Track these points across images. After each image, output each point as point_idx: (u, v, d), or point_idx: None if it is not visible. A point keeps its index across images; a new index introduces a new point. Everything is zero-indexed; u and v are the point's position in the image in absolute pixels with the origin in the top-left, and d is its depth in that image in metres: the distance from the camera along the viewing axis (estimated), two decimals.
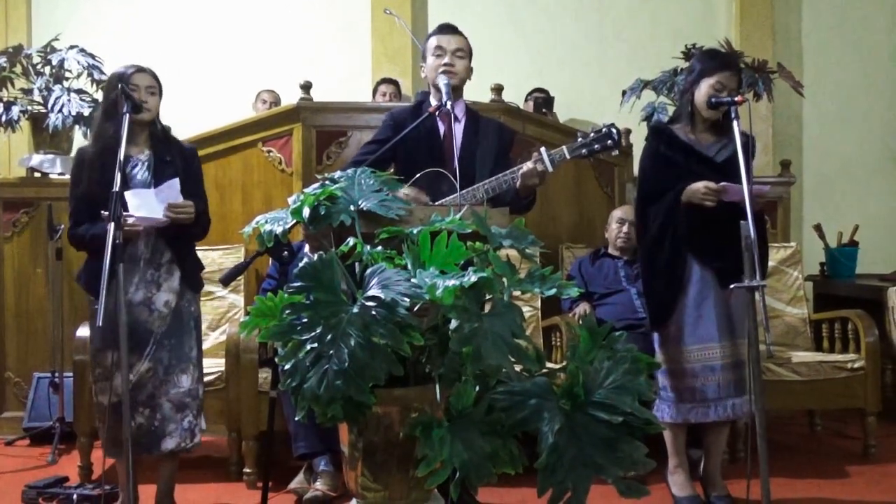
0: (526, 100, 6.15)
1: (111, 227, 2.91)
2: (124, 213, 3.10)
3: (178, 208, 3.26)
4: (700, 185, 3.42)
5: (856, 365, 4.30)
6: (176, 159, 3.42)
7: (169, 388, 3.34)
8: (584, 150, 3.26)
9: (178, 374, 3.37)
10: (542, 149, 3.24)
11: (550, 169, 3.22)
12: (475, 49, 3.50)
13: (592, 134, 3.27)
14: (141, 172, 3.37)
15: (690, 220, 3.48)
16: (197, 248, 4.50)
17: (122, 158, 3.04)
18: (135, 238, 3.29)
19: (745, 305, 3.33)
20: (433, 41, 3.44)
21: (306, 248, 4.06)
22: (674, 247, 3.52)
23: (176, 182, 3.28)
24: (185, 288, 3.43)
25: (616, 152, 3.35)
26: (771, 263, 4.86)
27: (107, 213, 3.03)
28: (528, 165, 3.19)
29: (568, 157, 3.25)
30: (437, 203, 3.07)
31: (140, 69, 3.38)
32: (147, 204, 3.23)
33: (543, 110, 6.05)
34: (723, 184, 3.38)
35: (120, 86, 3.19)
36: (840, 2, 6.80)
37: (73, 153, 5.39)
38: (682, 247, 3.51)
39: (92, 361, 3.43)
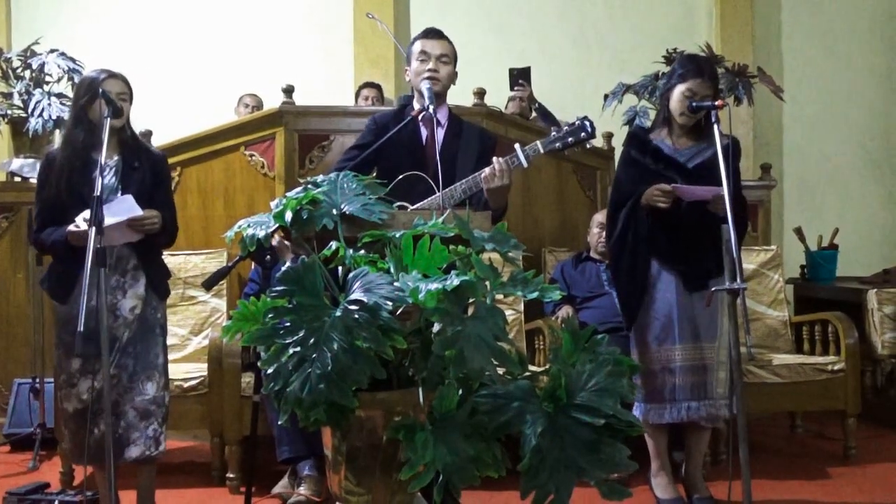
0: (506, 106, 6.15)
1: (92, 231, 2.90)
2: (76, 224, 3.10)
3: (143, 221, 3.23)
4: (653, 188, 3.46)
5: (836, 367, 4.33)
6: (144, 166, 3.39)
7: (133, 396, 3.30)
8: (558, 144, 3.24)
9: (143, 381, 3.33)
10: (517, 145, 3.24)
11: (525, 164, 3.21)
12: (457, 53, 3.50)
13: (566, 127, 3.27)
14: (108, 178, 3.33)
15: (653, 224, 3.51)
16: (180, 253, 4.52)
17: (102, 163, 3.03)
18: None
19: (715, 308, 3.37)
20: (418, 45, 3.42)
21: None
22: (635, 250, 3.56)
23: (129, 198, 3.22)
24: (151, 294, 3.39)
25: (590, 144, 3.34)
26: (752, 266, 4.90)
27: (83, 217, 3.01)
28: (487, 170, 3.15)
29: (542, 150, 3.22)
30: (416, 206, 3.07)
31: (112, 74, 3.33)
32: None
33: (521, 81, 6.04)
34: (673, 185, 3.42)
35: (101, 90, 3.16)
36: (820, 7, 6.86)
37: None
38: (644, 250, 3.55)
39: (57, 368, 3.37)
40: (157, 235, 3.34)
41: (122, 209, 3.20)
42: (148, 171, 3.39)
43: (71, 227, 3.14)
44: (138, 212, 3.20)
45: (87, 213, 3.14)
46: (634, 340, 3.62)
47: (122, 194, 3.29)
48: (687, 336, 3.52)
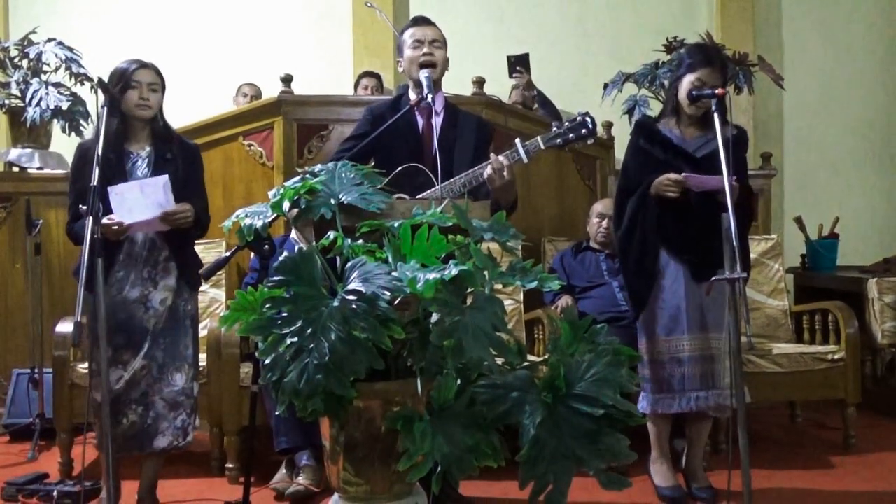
0: (510, 95, 6.13)
1: (89, 221, 2.88)
2: (109, 216, 3.09)
3: (176, 215, 3.23)
4: (663, 177, 3.44)
5: (836, 356, 4.32)
6: (177, 157, 3.38)
7: (163, 387, 3.33)
8: (558, 140, 3.25)
9: (172, 372, 3.35)
10: (517, 140, 3.24)
11: (525, 160, 3.21)
12: (456, 42, 3.49)
13: (567, 123, 3.27)
14: (141, 169, 3.33)
15: (662, 213, 3.50)
16: None
17: (99, 153, 3.00)
18: (130, 236, 3.26)
19: (722, 298, 3.36)
20: (409, 34, 3.42)
21: (293, 235, 4.04)
22: (644, 239, 3.54)
23: (165, 179, 3.22)
24: (183, 286, 3.41)
25: (591, 141, 3.34)
26: (752, 255, 4.87)
27: (112, 205, 3.02)
28: (488, 170, 3.16)
29: (542, 146, 3.23)
30: (416, 197, 3.06)
31: (143, 65, 3.33)
32: (132, 202, 3.17)
33: (518, 68, 6.02)
34: (684, 174, 3.41)
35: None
36: None
37: (52, 147, 5.39)
38: (653, 239, 3.54)
39: (90, 357, 3.41)
40: (190, 228, 3.34)
41: (157, 192, 3.20)
42: (181, 161, 3.39)
43: (105, 221, 3.12)
44: (171, 198, 3.20)
45: (115, 200, 3.13)
46: (642, 331, 3.61)
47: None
48: (695, 326, 3.51)
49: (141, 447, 3.31)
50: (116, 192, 3.15)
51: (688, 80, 3.51)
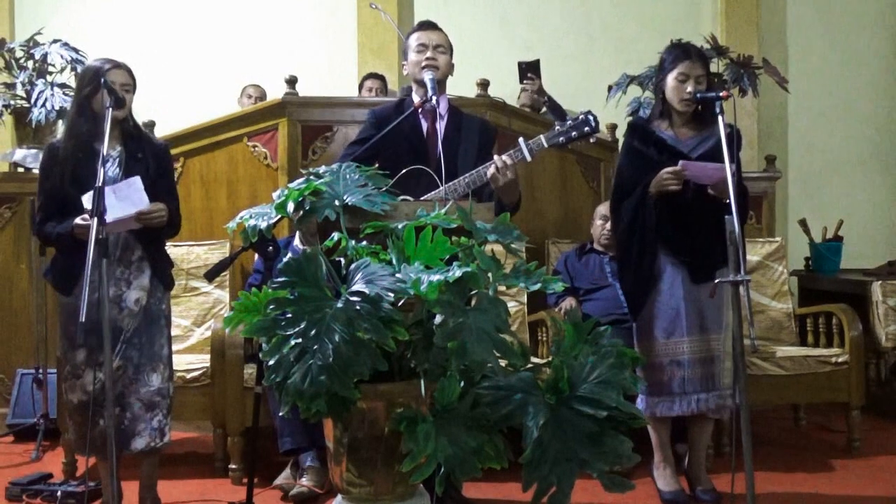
0: (519, 97, 6.12)
1: (94, 222, 2.89)
2: (83, 216, 3.08)
3: (151, 214, 3.21)
4: (661, 172, 3.44)
5: (840, 359, 4.31)
6: (147, 156, 3.37)
7: (139, 387, 3.30)
8: (561, 138, 3.26)
9: (148, 372, 3.32)
10: (521, 139, 3.24)
11: (529, 158, 3.21)
12: (461, 44, 3.50)
13: (570, 122, 3.28)
14: (112, 169, 3.32)
15: (660, 214, 3.50)
16: (183, 244, 4.52)
17: (104, 153, 3.02)
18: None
19: (720, 299, 3.36)
20: (414, 38, 3.44)
21: (296, 241, 4.04)
22: (644, 240, 3.54)
23: (137, 180, 3.21)
24: (156, 285, 3.39)
25: (594, 139, 3.34)
26: (756, 258, 4.88)
27: (88, 207, 3.00)
28: (491, 169, 3.16)
29: (546, 145, 3.24)
30: (420, 199, 3.06)
31: (116, 65, 3.32)
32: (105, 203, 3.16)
33: (529, 75, 6.02)
34: (682, 162, 3.40)
35: (103, 80, 3.16)
36: None
37: None
38: (652, 240, 3.53)
39: (62, 359, 3.38)
40: (163, 227, 3.33)
41: (129, 193, 3.18)
42: (151, 161, 3.38)
43: (77, 221, 3.13)
44: (144, 197, 3.19)
45: (87, 204, 3.13)
46: (639, 333, 3.61)
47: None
48: (694, 328, 3.51)
49: (118, 449, 3.27)
50: (88, 198, 3.12)
51: (672, 77, 3.54)
